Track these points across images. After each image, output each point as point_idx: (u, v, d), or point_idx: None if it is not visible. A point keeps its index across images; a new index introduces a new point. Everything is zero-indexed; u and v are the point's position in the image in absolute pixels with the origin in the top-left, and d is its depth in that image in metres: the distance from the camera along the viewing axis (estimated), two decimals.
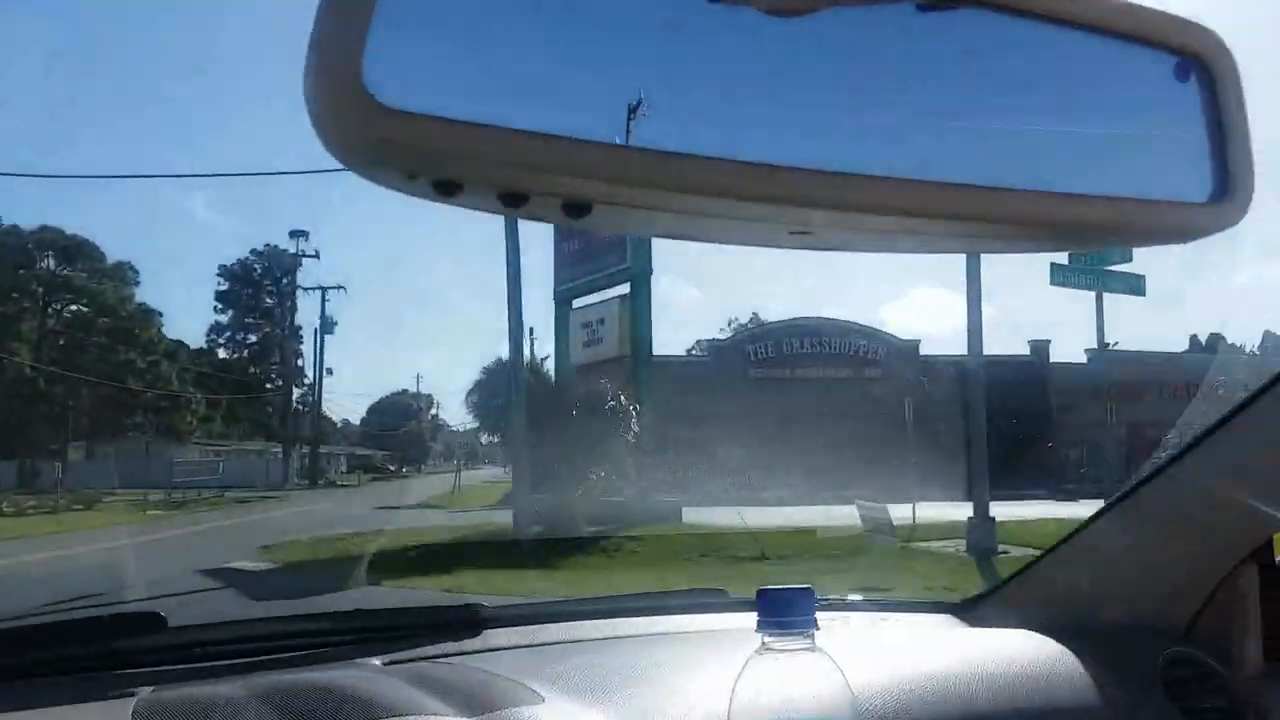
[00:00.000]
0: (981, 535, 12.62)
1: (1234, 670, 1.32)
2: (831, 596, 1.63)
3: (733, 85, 0.53)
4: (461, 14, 0.49)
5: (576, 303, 19.55)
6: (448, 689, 1.12)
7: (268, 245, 54.00)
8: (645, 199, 0.51)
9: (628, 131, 0.49)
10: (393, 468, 65.92)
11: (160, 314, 45.99)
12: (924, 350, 32.00)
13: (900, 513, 13.81)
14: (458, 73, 0.48)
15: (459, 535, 15.45)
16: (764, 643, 0.90)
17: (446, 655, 1.28)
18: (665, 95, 0.51)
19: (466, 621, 1.37)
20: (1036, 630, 1.39)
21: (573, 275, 19.74)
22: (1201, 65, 0.61)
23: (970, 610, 1.58)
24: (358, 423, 72.73)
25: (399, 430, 72.21)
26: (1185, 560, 1.39)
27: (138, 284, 45.16)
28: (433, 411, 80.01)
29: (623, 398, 16.62)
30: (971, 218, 0.57)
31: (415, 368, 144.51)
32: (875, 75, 0.56)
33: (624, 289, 18.20)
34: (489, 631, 1.36)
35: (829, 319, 32.50)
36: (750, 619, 0.91)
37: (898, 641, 1.42)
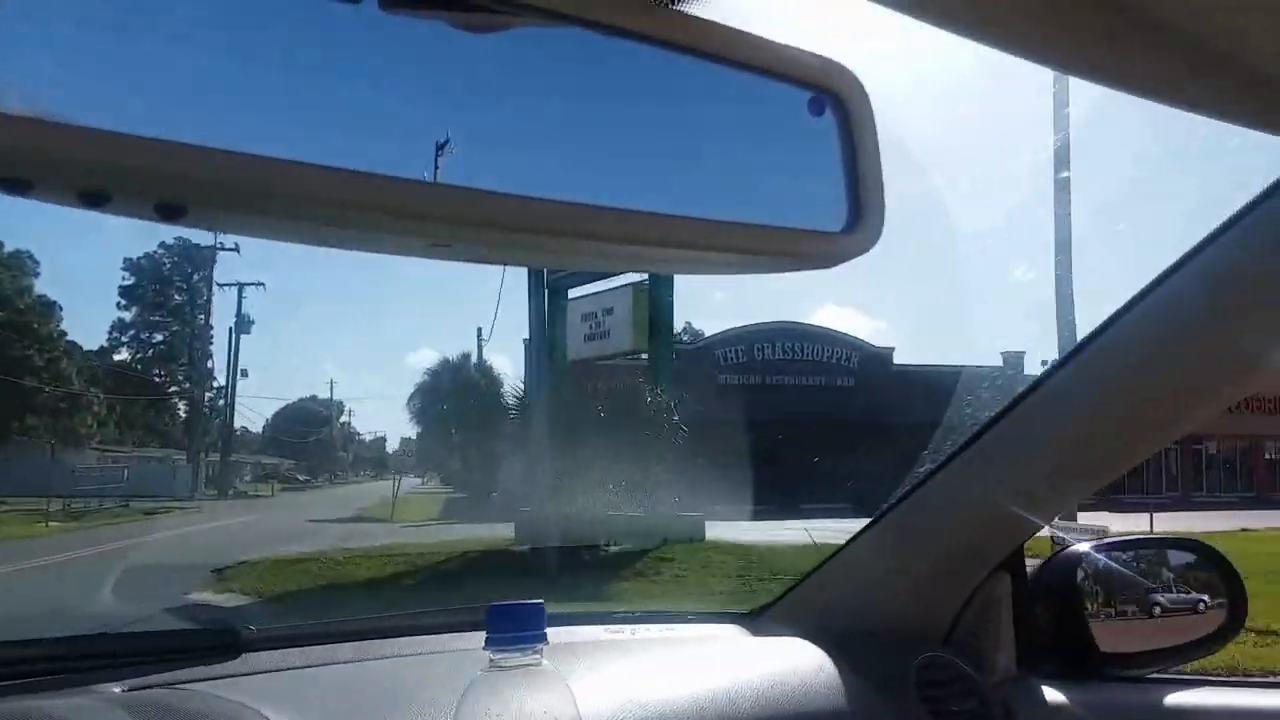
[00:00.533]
0: None
1: (986, 674, 1.37)
2: (621, 610, 1.67)
3: (358, 93, 0.51)
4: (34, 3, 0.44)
5: (573, 292, 17.32)
6: (177, 716, 1.09)
7: (179, 239, 50.45)
8: (249, 204, 0.48)
9: (237, 135, 0.46)
10: (302, 478, 62.83)
11: (61, 307, 42.14)
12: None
13: None
14: (20, 65, 0.43)
15: (455, 553, 13.24)
16: (490, 660, 0.88)
17: (196, 681, 1.23)
18: (278, 99, 0.49)
19: (224, 645, 1.31)
20: (809, 638, 1.45)
21: None
22: (837, 101, 0.63)
23: (754, 620, 1.62)
24: (260, 430, 69.08)
25: (308, 439, 68.81)
26: (944, 569, 1.45)
27: (37, 275, 41.45)
28: (343, 419, 76.87)
29: (647, 398, 14.60)
30: (616, 239, 0.58)
31: (324, 371, 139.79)
32: (524, 95, 0.57)
33: (634, 276, 16.15)
34: (250, 655, 1.31)
35: (799, 324, 31.40)
36: None
37: (672, 653, 1.45)
